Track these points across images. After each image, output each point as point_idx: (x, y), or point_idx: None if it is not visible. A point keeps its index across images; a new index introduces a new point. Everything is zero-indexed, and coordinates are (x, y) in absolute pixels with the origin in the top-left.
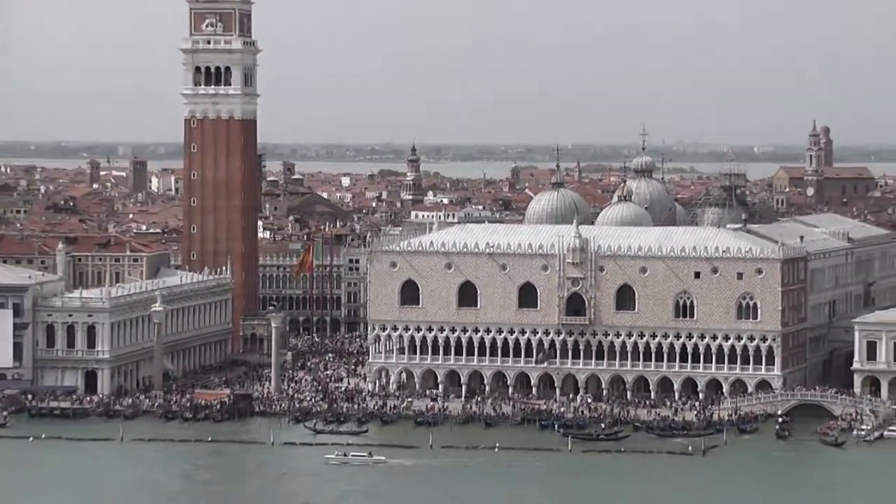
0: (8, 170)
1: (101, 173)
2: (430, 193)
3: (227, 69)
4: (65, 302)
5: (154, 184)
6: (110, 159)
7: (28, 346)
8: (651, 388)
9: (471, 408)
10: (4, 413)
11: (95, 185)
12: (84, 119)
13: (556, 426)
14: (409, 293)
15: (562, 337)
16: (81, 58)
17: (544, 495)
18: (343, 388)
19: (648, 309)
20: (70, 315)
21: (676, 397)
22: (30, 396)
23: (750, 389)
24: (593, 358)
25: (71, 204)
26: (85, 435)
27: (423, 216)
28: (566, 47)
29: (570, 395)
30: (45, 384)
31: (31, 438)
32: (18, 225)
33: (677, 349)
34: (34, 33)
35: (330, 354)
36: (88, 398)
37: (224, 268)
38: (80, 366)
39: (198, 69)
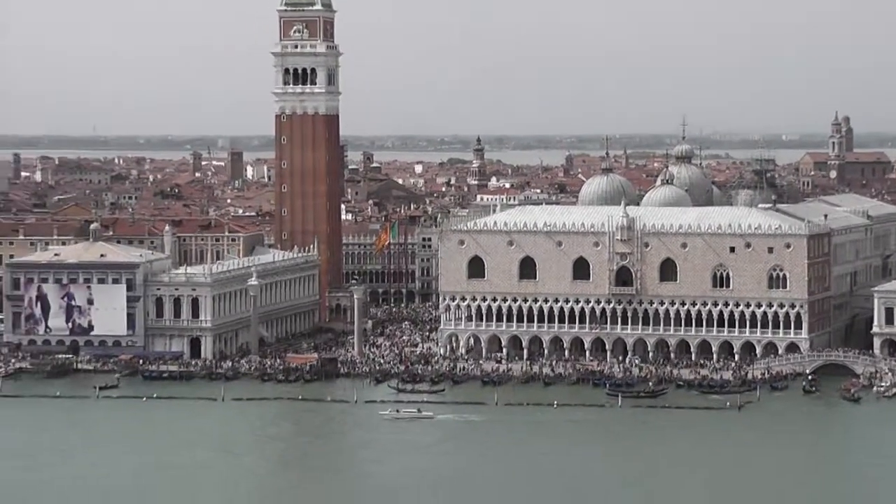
0: (121, 161)
1: (203, 163)
2: (494, 179)
3: (313, 70)
4: (172, 277)
5: (249, 172)
6: (211, 151)
7: (140, 317)
8: (692, 350)
9: (531, 369)
10: (117, 376)
11: (198, 174)
12: (188, 115)
13: (607, 385)
14: (476, 267)
15: (612, 305)
16: (185, 61)
17: (596, 445)
18: (418, 352)
19: (689, 280)
20: (176, 289)
21: (714, 359)
22: (142, 361)
23: (780, 351)
24: (640, 324)
25: (176, 191)
26: (190, 395)
27: (487, 199)
28: (613, 45)
29: (620, 357)
30: (155, 350)
31: (143, 398)
32: (130, 210)
33: (715, 316)
34: (145, 43)
35: (406, 322)
36: (193, 362)
37: (311, 246)
38: (185, 333)
39: (287, 70)
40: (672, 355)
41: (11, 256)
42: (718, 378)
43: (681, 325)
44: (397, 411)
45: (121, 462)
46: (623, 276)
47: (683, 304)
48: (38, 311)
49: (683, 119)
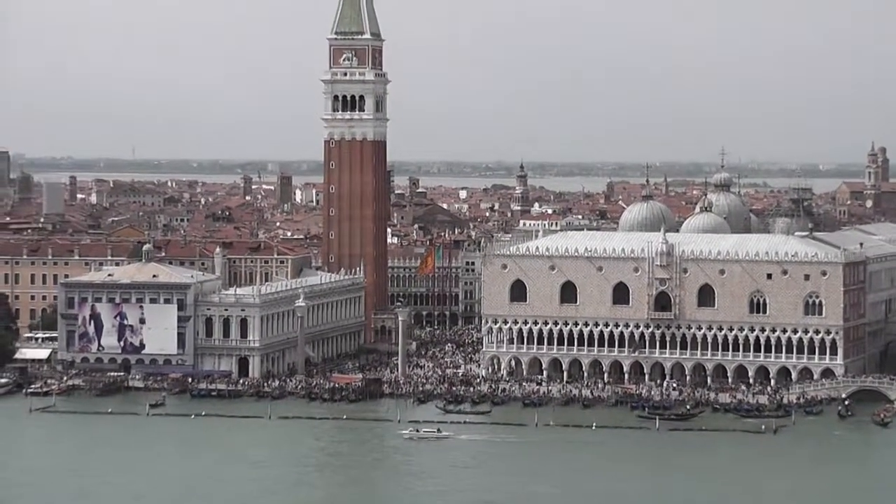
0: (174, 184)
1: (253, 187)
2: (536, 205)
3: (361, 97)
4: (221, 298)
5: (298, 196)
6: (261, 175)
7: (190, 336)
8: (729, 374)
9: (571, 391)
10: (163, 394)
11: (248, 197)
12: (239, 140)
13: (645, 407)
14: (518, 291)
15: (650, 330)
16: (237, 86)
17: (633, 465)
18: (460, 374)
19: (726, 305)
20: (226, 309)
21: (751, 383)
22: (191, 379)
23: (815, 376)
24: (678, 348)
25: (227, 213)
26: (238, 413)
27: (529, 224)
28: (653, 75)
29: (658, 381)
30: (204, 369)
31: (192, 416)
32: (182, 231)
33: (752, 341)
34: (198, 69)
35: (449, 344)
36: (241, 381)
37: (358, 269)
38: (234, 353)
39: (336, 97)
40: (709, 379)
41: (67, 276)
42: (754, 402)
43: (718, 350)
44: (417, 430)
45: (169, 477)
46: (662, 301)
47: (721, 329)
48: (91, 329)
49: (722, 148)
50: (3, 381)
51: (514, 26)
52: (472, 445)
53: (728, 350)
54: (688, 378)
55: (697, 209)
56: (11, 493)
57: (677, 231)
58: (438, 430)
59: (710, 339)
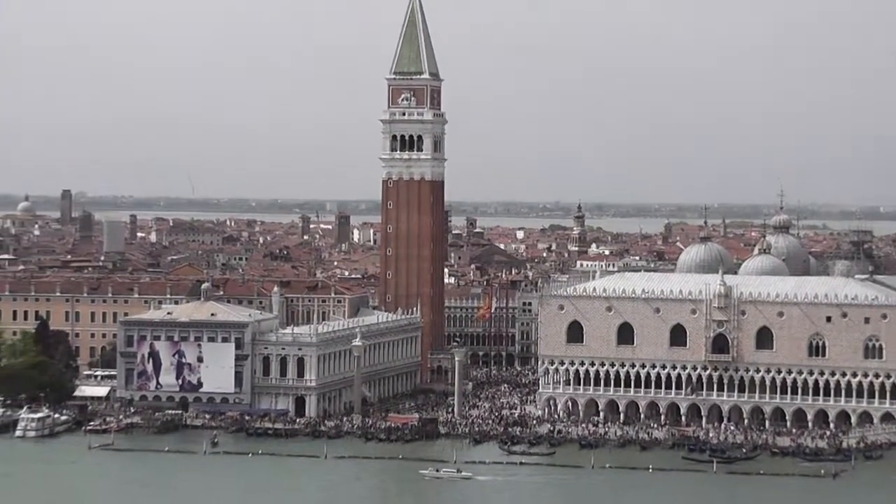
0: (232, 223)
1: (311, 226)
2: (594, 245)
3: (420, 137)
4: (279, 337)
5: (356, 235)
6: (319, 214)
7: (247, 375)
8: (787, 417)
9: (628, 433)
10: (214, 432)
11: (306, 237)
12: (297, 179)
13: (702, 450)
14: (575, 332)
15: (708, 372)
16: (296, 126)
17: None
18: (517, 415)
19: (785, 348)
20: (283, 348)
21: (810, 426)
22: (248, 418)
23: (875, 421)
24: (736, 390)
25: (285, 252)
26: (294, 452)
27: (587, 265)
28: (712, 116)
29: (715, 423)
30: (260, 407)
31: (249, 454)
32: (241, 270)
33: (810, 384)
34: (257, 111)
35: (505, 385)
36: (298, 420)
37: (415, 308)
38: (291, 392)
39: (394, 137)
40: (767, 422)
41: (126, 314)
42: (813, 446)
43: (776, 393)
44: (437, 470)
45: None
46: (719, 344)
47: (779, 371)
48: (150, 367)
49: (781, 190)
50: (63, 418)
51: (574, 70)
52: (531, 487)
53: (787, 393)
54: (746, 421)
55: (756, 251)
56: None
57: (735, 273)
58: (458, 471)
59: (768, 382)
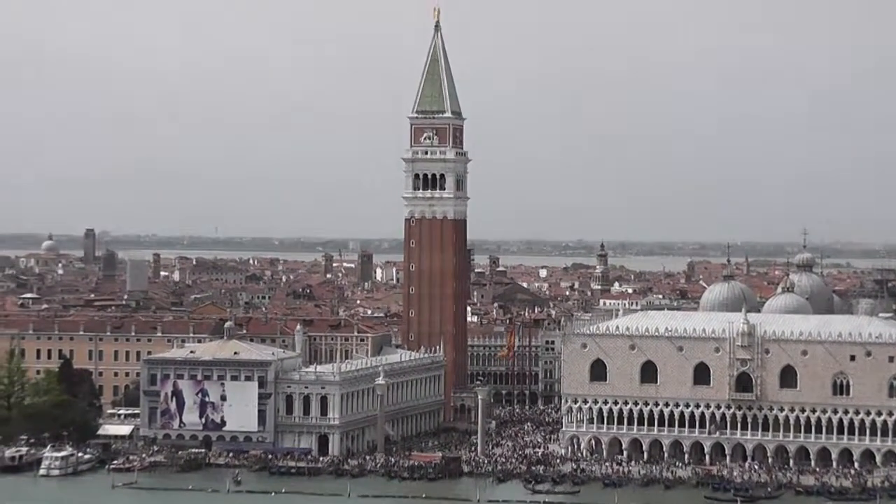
0: (256, 262)
1: (334, 265)
2: (617, 284)
3: (442, 176)
4: (302, 375)
5: (378, 274)
6: (342, 253)
7: (270, 413)
8: (811, 456)
9: (651, 472)
10: (236, 471)
11: (329, 275)
12: (320, 218)
13: (726, 489)
14: (598, 370)
15: (731, 411)
16: (319, 165)
17: None
18: (540, 453)
19: (809, 387)
20: (306, 387)
21: (834, 465)
22: (271, 456)
23: None
24: (760, 429)
25: (308, 291)
26: (318, 490)
27: (610, 304)
28: (733, 156)
29: (739, 462)
30: (284, 446)
31: (272, 493)
32: (264, 309)
33: (835, 423)
34: (279, 150)
35: (528, 423)
36: (321, 458)
37: (437, 347)
38: (314, 430)
39: (416, 176)
40: (791, 461)
41: (149, 353)
42: (838, 485)
43: (801, 432)
44: None
45: None
46: (743, 382)
47: (803, 410)
48: (173, 406)
49: (804, 228)
50: (87, 456)
51: (593, 109)
52: None
53: (811, 432)
54: (770, 460)
55: (779, 289)
56: None
57: (759, 311)
58: None
59: (792, 421)
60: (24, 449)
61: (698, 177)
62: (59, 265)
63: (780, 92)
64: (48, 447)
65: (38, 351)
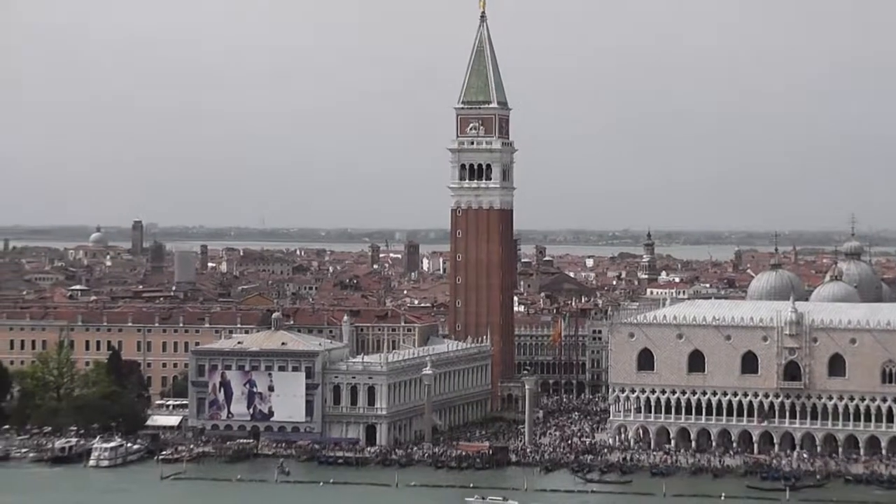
0: (303, 253)
1: (381, 255)
2: (664, 273)
3: (488, 166)
4: (349, 366)
5: (425, 264)
6: (388, 243)
7: (318, 404)
8: (860, 445)
9: (699, 460)
10: (281, 460)
11: (375, 266)
12: (366, 209)
13: (775, 478)
14: (645, 360)
15: (780, 399)
16: (364, 157)
17: None
18: (587, 442)
19: (857, 375)
20: (353, 377)
21: (883, 454)
22: (319, 447)
23: None
24: (808, 418)
25: (355, 282)
26: (365, 480)
27: (657, 293)
28: (782, 144)
29: (787, 451)
30: (331, 436)
31: (320, 483)
32: (311, 300)
33: (884, 411)
34: (326, 142)
35: (576, 412)
36: (368, 448)
37: (484, 337)
38: (361, 420)
39: (463, 166)
40: (840, 449)
41: (197, 344)
42: (887, 473)
43: (849, 420)
44: (483, 498)
45: None
46: (791, 371)
47: (852, 399)
48: (221, 396)
49: (853, 216)
50: (136, 447)
51: (638, 97)
52: None
53: (860, 420)
54: (818, 448)
55: (827, 278)
56: None
57: (806, 300)
58: (504, 499)
59: (840, 409)
60: (74, 440)
61: (746, 166)
62: (108, 257)
63: (824, 74)
64: (97, 438)
65: (87, 342)
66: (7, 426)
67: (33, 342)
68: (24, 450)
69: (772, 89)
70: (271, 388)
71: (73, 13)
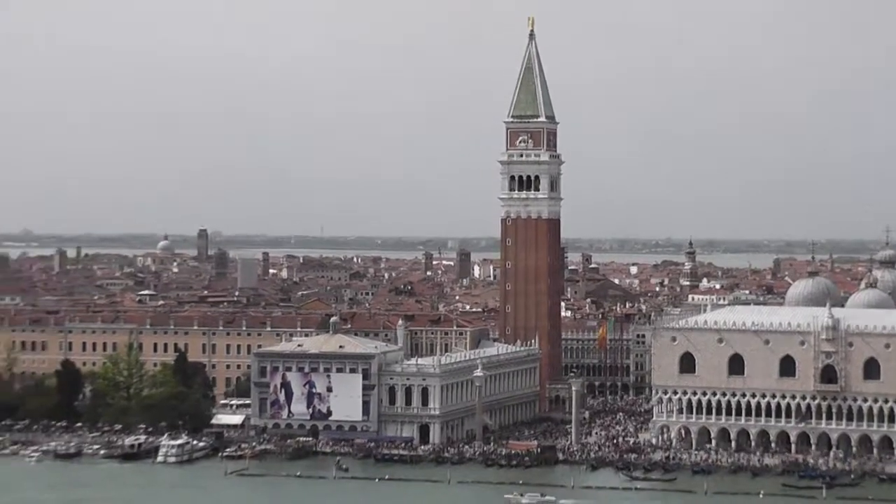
0: (359, 260)
1: (434, 262)
2: (705, 280)
3: (537, 177)
4: (404, 368)
5: (476, 271)
6: (441, 251)
7: (374, 404)
8: (894, 445)
9: (739, 459)
10: (338, 458)
11: (429, 273)
12: (420, 218)
13: (812, 476)
14: (687, 363)
15: (816, 401)
16: (419, 168)
17: None
18: (631, 442)
19: (892, 378)
20: (408, 378)
21: None
22: (375, 445)
23: None
24: (844, 419)
25: (409, 287)
26: (419, 477)
27: (698, 299)
28: (818, 156)
29: (824, 451)
30: (387, 435)
31: (376, 479)
32: (367, 305)
33: None
34: (382, 154)
35: (620, 413)
36: (422, 446)
37: (533, 340)
38: (415, 420)
39: (512, 177)
40: (875, 450)
41: (259, 346)
42: None
43: (884, 422)
44: (521, 495)
45: None
46: (828, 374)
47: (887, 401)
48: (282, 397)
49: (887, 226)
50: (201, 444)
51: (679, 111)
52: None
53: (894, 422)
54: (854, 449)
55: (863, 285)
56: None
57: (842, 306)
58: (542, 495)
59: (875, 411)
60: (143, 437)
61: (784, 177)
62: (174, 264)
63: (858, 82)
64: (165, 436)
65: (155, 345)
66: (80, 424)
67: (104, 344)
68: (95, 446)
69: (807, 102)
70: (329, 389)
71: (150, 33)
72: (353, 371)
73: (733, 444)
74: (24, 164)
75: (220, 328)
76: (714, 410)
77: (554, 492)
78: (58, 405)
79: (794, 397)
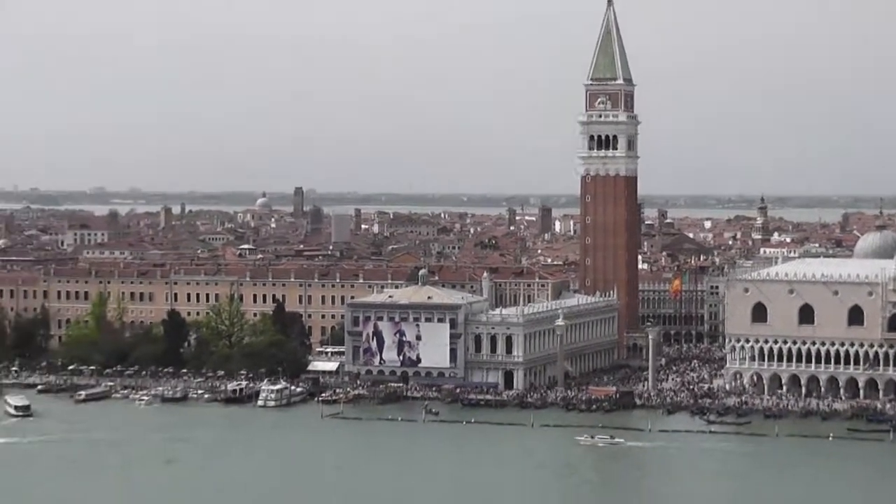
0: (446, 216)
1: (517, 218)
2: (776, 234)
3: (615, 137)
4: (489, 318)
5: (557, 226)
6: (524, 207)
7: (460, 352)
8: None
9: (809, 404)
10: (426, 403)
11: (512, 227)
12: (504, 176)
13: (880, 420)
14: (759, 313)
15: (884, 349)
16: (504, 128)
17: (869, 471)
18: (705, 388)
19: None
20: (493, 328)
21: None
22: (462, 390)
23: None
24: None
25: (493, 242)
26: (504, 420)
27: (770, 252)
28: (887, 112)
29: (891, 396)
30: (473, 381)
31: (463, 423)
32: (454, 258)
33: None
34: (471, 114)
35: (695, 360)
36: (506, 392)
37: (612, 292)
38: (500, 367)
39: (591, 137)
40: None
41: (352, 297)
42: None
43: None
44: (591, 437)
45: (440, 478)
46: (895, 323)
47: None
48: (374, 345)
49: None
50: (299, 390)
51: (751, 75)
52: (722, 453)
53: None
54: None
55: None
56: (321, 489)
57: None
58: (612, 437)
59: None
60: (244, 383)
61: (853, 135)
62: (272, 220)
63: None
64: (265, 381)
65: (255, 296)
66: (185, 370)
67: (207, 295)
68: (200, 391)
69: (875, 61)
70: (419, 338)
71: (266, 16)
72: (440, 321)
73: (803, 389)
74: (137, 127)
75: (316, 280)
76: (785, 358)
77: (632, 435)
78: (165, 352)
79: (861, 345)
